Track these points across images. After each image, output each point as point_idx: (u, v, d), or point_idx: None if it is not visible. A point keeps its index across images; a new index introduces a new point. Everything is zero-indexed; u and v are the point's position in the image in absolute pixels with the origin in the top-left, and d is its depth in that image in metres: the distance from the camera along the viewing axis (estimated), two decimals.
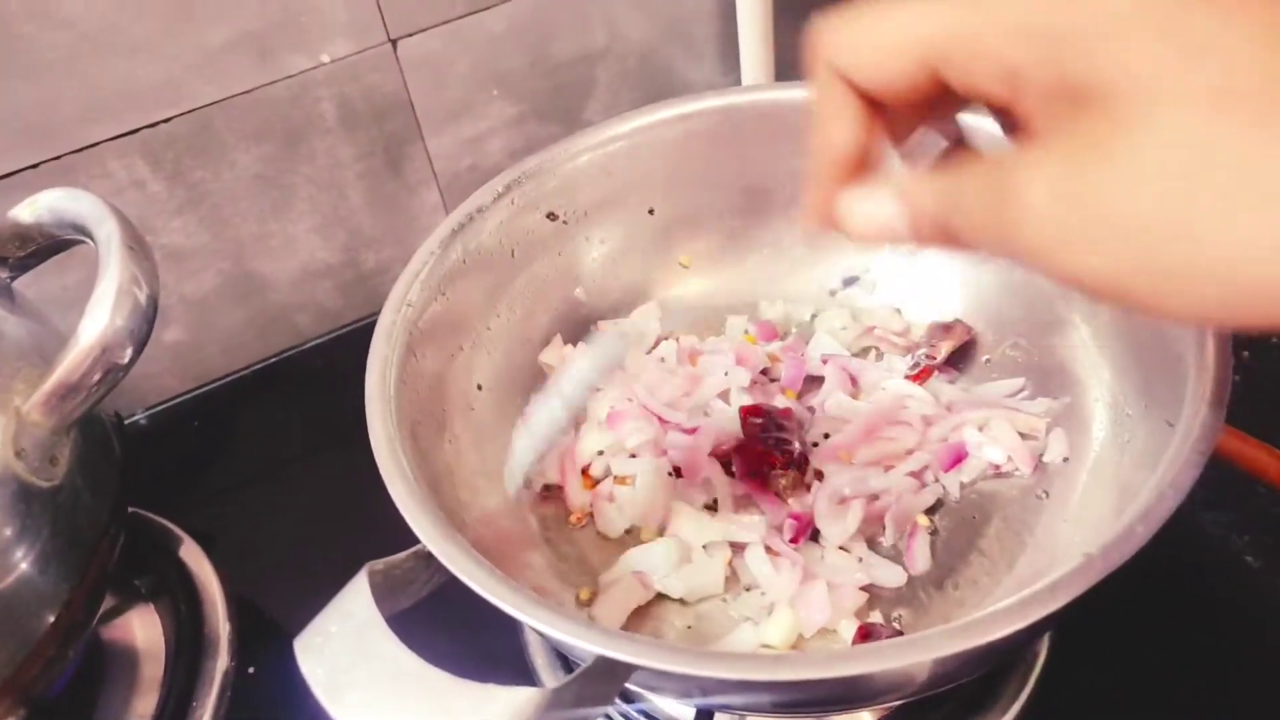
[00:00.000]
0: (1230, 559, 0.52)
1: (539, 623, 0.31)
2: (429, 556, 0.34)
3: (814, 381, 0.52)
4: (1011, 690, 0.46)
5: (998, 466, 0.47)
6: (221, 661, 0.53)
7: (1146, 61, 0.21)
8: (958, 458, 0.47)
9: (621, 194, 0.54)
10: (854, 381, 0.51)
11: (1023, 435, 0.47)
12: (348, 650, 0.31)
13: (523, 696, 0.28)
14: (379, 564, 0.34)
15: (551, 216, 0.52)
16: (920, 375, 0.50)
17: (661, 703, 0.46)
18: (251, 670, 0.53)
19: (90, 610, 0.47)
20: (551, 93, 0.73)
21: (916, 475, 0.46)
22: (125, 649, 0.55)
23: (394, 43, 0.66)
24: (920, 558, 0.44)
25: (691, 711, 0.44)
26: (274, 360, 0.73)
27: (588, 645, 0.30)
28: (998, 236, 0.24)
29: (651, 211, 0.55)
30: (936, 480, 0.47)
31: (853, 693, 0.34)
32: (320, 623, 0.32)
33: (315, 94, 0.65)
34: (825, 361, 0.52)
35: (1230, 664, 0.47)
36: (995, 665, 0.44)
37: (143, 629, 0.55)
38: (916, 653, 0.29)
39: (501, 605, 0.32)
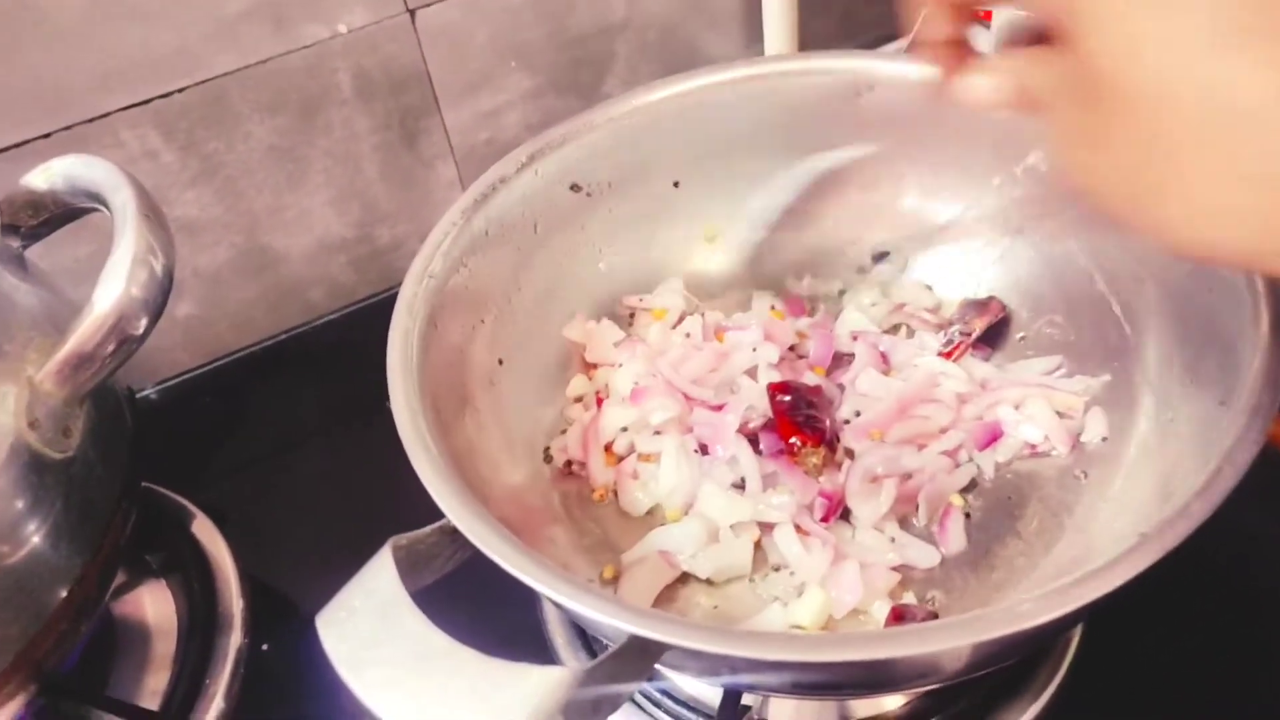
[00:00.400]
0: (1270, 547, 0.50)
1: (572, 601, 0.30)
2: (453, 532, 0.33)
3: (843, 358, 0.51)
4: (1044, 676, 0.45)
5: (1034, 446, 0.45)
6: (235, 638, 0.52)
7: (1127, 56, 0.24)
8: (993, 436, 0.45)
9: (646, 166, 0.52)
10: (885, 359, 0.50)
11: (1060, 414, 0.45)
12: (372, 626, 0.30)
13: (555, 676, 0.27)
14: (403, 539, 0.33)
15: (575, 188, 0.51)
16: (953, 352, 0.49)
17: (684, 682, 0.45)
18: (265, 647, 0.53)
19: (103, 585, 0.46)
20: (570, 66, 0.71)
21: (950, 454, 0.45)
22: (137, 625, 0.54)
23: (412, 13, 0.64)
24: (954, 538, 0.43)
25: (713, 690, 0.43)
26: (286, 336, 0.72)
27: (622, 624, 0.29)
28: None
29: (677, 184, 0.54)
30: (971, 459, 0.45)
31: (894, 675, 0.32)
32: (343, 598, 0.31)
33: (331, 65, 0.64)
34: (855, 338, 0.51)
35: (1268, 654, 0.46)
36: (1038, 649, 0.43)
37: (154, 605, 0.55)
38: (965, 634, 0.28)
39: (533, 583, 0.31)
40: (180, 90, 0.61)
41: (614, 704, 0.29)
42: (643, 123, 0.51)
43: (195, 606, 0.53)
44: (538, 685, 0.27)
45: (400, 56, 0.66)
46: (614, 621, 0.29)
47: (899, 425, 0.46)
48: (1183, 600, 0.46)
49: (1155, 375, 0.43)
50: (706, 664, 0.33)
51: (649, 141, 0.52)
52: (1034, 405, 0.46)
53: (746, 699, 0.42)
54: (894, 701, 0.44)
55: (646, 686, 0.45)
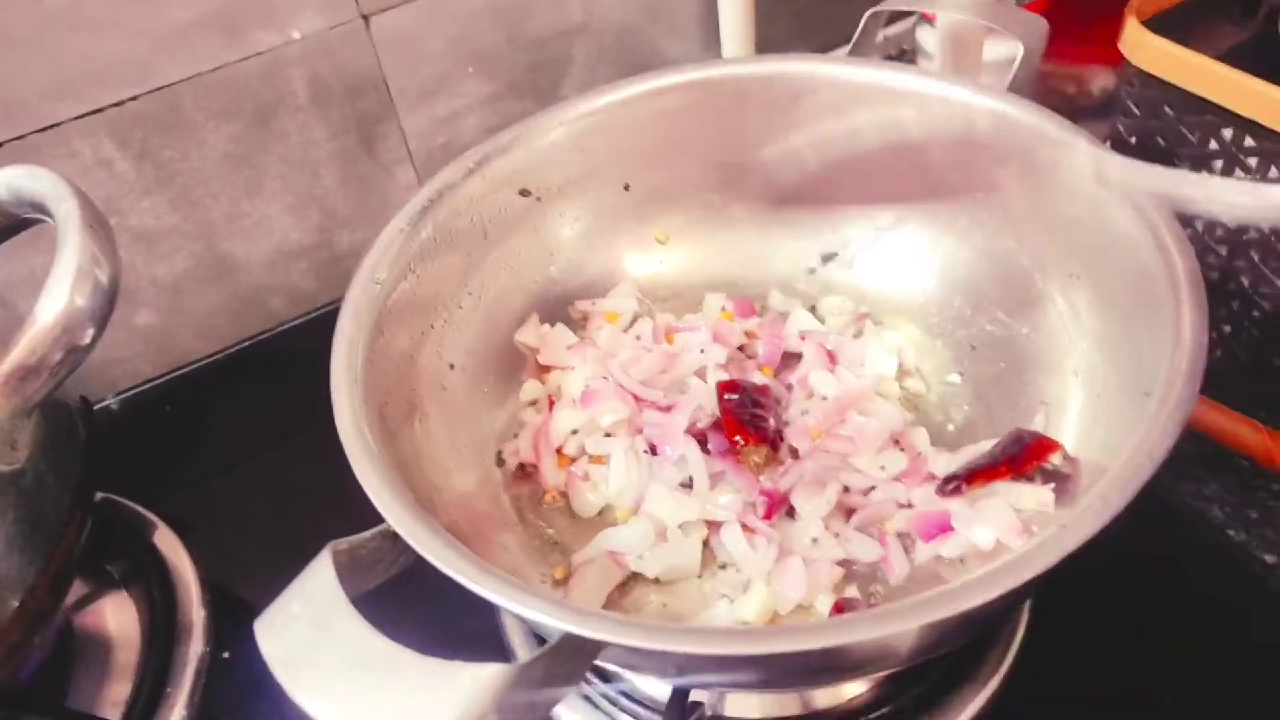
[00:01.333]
0: (1212, 532, 0.51)
1: (504, 599, 0.30)
2: (395, 535, 0.34)
3: (792, 358, 0.51)
4: (992, 662, 0.45)
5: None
6: (196, 647, 0.52)
7: None
8: (940, 530, 0.42)
9: (596, 170, 0.53)
10: (832, 357, 0.51)
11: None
12: (309, 630, 0.30)
13: (489, 673, 0.28)
14: (343, 543, 0.33)
15: (525, 193, 0.51)
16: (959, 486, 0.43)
17: (641, 682, 0.46)
18: (227, 655, 0.53)
19: (56, 596, 0.46)
20: (528, 70, 0.72)
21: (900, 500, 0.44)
22: (98, 635, 0.54)
23: (366, 18, 0.64)
24: (899, 565, 0.43)
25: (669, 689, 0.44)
26: (247, 344, 0.72)
27: (554, 622, 0.30)
28: None
29: (627, 187, 0.54)
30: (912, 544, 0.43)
31: (826, 665, 0.33)
32: (281, 602, 0.32)
33: (286, 71, 0.64)
34: (803, 338, 0.52)
35: (1210, 635, 0.47)
36: (974, 636, 0.44)
37: (116, 616, 0.55)
38: (885, 624, 0.28)
39: (467, 583, 0.31)
40: (134, 98, 0.61)
41: (550, 702, 0.30)
42: (592, 126, 0.52)
43: (156, 616, 0.53)
44: (470, 683, 0.28)
45: (356, 62, 0.66)
46: (545, 619, 0.30)
47: (839, 425, 0.46)
48: (1127, 583, 0.47)
49: (1089, 368, 0.44)
50: (648, 661, 0.33)
51: (599, 145, 0.52)
52: (991, 503, 0.42)
53: (698, 695, 0.43)
54: (852, 690, 0.45)
55: (603, 686, 0.46)
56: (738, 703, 0.44)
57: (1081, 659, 0.47)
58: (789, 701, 0.44)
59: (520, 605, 0.30)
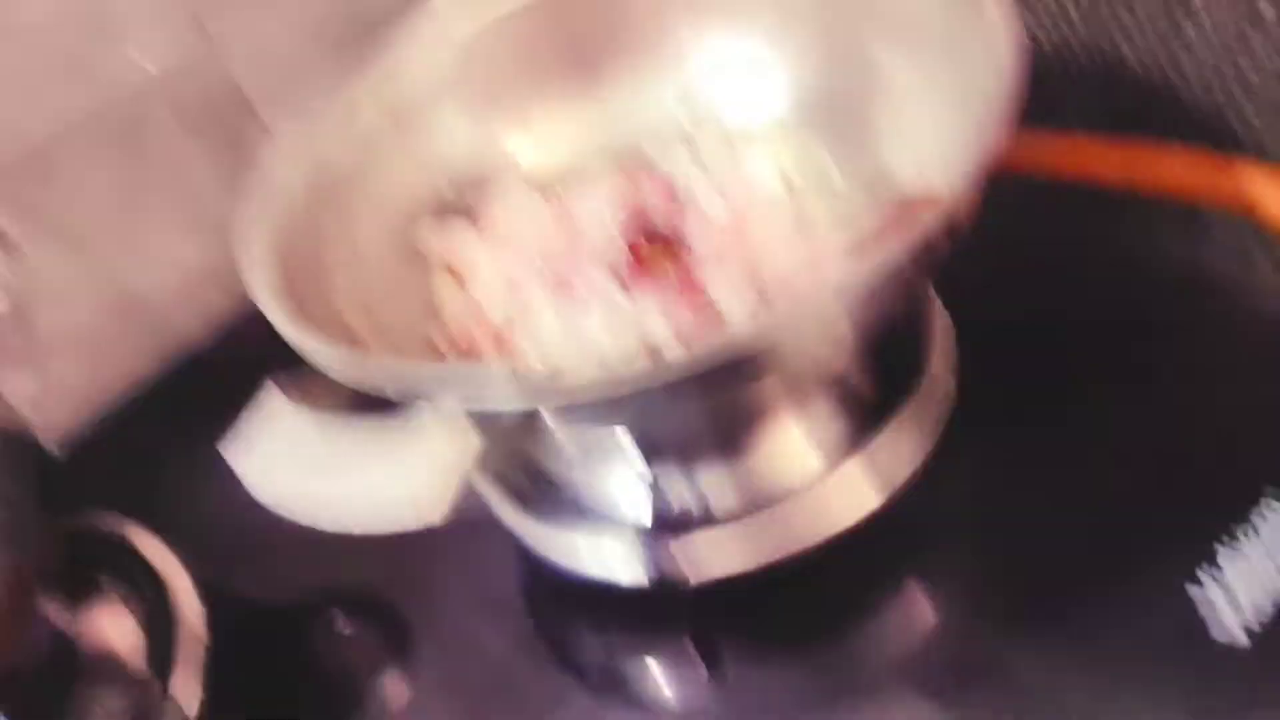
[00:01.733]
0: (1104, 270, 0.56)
1: (447, 378, 0.32)
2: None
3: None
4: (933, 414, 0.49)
5: None
6: (197, 634, 0.53)
7: None
8: None
9: (452, 86, 0.56)
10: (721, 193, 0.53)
11: None
12: (277, 438, 0.32)
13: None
14: (284, 375, 0.35)
15: (389, 118, 0.54)
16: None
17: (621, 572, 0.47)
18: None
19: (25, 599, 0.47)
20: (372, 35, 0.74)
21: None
22: (99, 644, 0.54)
23: (204, 28, 0.66)
24: None
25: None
26: (172, 374, 0.72)
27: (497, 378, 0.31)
28: None
29: (489, 93, 0.57)
30: None
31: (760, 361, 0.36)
32: (241, 425, 0.33)
33: (145, 99, 0.66)
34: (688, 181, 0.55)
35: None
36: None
37: (114, 625, 0.55)
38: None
39: (409, 380, 0.33)
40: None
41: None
42: (440, 49, 0.55)
43: (154, 616, 0.54)
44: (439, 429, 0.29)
45: (207, 73, 0.68)
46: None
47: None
48: (1051, 309, 0.53)
49: (934, 114, 0.46)
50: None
51: (449, 63, 0.55)
52: None
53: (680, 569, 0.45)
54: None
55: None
56: (716, 561, 0.46)
57: (1019, 398, 0.50)
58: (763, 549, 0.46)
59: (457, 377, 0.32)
